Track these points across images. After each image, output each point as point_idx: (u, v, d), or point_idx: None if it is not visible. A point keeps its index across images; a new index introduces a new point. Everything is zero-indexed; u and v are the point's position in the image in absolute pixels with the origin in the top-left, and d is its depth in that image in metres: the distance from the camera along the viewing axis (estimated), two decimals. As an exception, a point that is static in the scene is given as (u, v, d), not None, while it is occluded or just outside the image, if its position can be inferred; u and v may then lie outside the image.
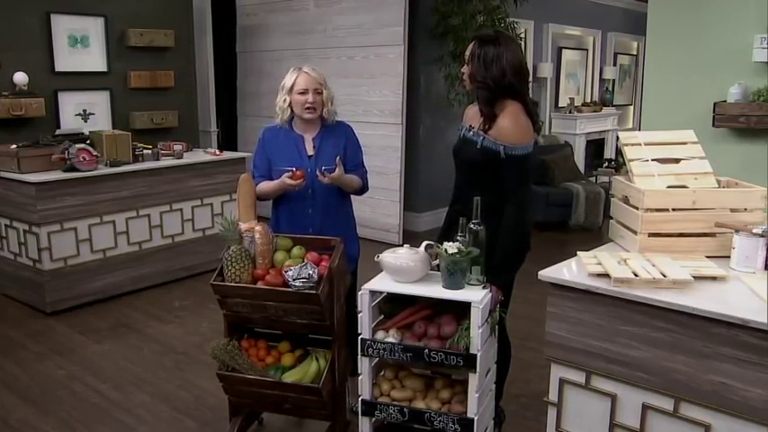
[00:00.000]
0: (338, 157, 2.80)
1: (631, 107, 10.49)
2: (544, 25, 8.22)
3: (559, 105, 8.82)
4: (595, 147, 9.29)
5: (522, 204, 2.46)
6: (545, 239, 6.28)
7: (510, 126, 2.43)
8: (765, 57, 3.90)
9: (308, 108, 2.79)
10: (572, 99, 8.86)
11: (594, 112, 8.98)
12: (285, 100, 2.81)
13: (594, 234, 6.53)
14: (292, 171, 2.75)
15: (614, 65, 9.70)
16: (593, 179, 7.83)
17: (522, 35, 7.32)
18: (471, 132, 2.55)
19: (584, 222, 6.71)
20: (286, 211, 2.90)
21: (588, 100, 9.33)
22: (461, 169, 2.65)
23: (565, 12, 8.42)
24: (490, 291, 2.31)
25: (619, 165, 8.08)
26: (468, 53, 2.53)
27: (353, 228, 3.06)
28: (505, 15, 6.25)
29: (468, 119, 2.63)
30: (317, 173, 2.75)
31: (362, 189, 3.00)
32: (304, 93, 2.77)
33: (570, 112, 8.69)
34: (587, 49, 9.28)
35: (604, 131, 9.35)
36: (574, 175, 7.21)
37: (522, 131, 2.45)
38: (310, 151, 2.87)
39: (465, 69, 2.56)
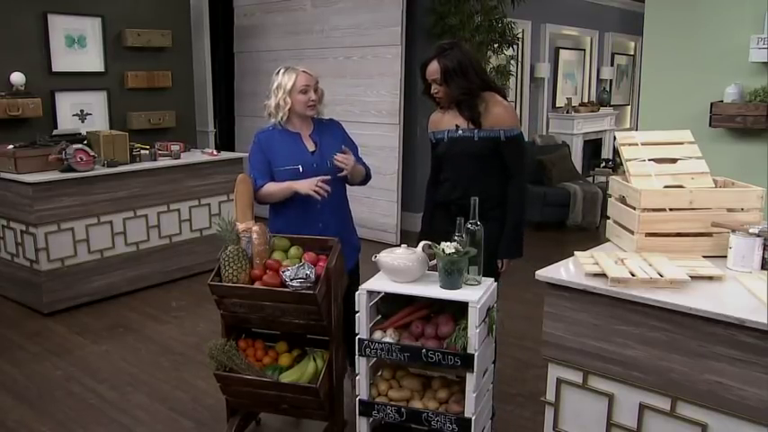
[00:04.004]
0: (342, 146, 2.86)
1: (629, 107, 10.51)
2: (541, 25, 8.23)
3: (557, 105, 8.84)
4: (593, 147, 9.31)
5: (524, 179, 2.74)
6: (542, 239, 6.29)
7: (503, 111, 2.67)
8: (761, 57, 3.91)
9: (310, 105, 2.83)
10: (569, 99, 8.88)
11: (592, 112, 8.99)
12: (285, 100, 2.81)
13: (592, 234, 6.54)
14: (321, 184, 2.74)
15: (611, 65, 9.72)
16: (590, 179, 7.84)
17: (520, 35, 7.33)
18: (460, 131, 2.68)
19: (582, 222, 6.72)
20: (295, 208, 2.85)
21: (585, 100, 9.34)
22: (461, 164, 2.72)
23: (562, 12, 8.43)
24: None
25: (616, 165, 8.10)
26: (436, 75, 2.62)
27: (352, 219, 3.11)
28: (503, 16, 6.25)
29: (444, 123, 2.74)
30: (336, 161, 2.80)
31: (368, 177, 3.04)
32: (306, 91, 2.80)
33: (567, 113, 8.70)
34: (584, 50, 9.29)
35: (602, 131, 9.36)
36: (571, 175, 7.22)
37: (513, 114, 2.73)
38: (311, 147, 2.88)
39: (439, 89, 2.66)
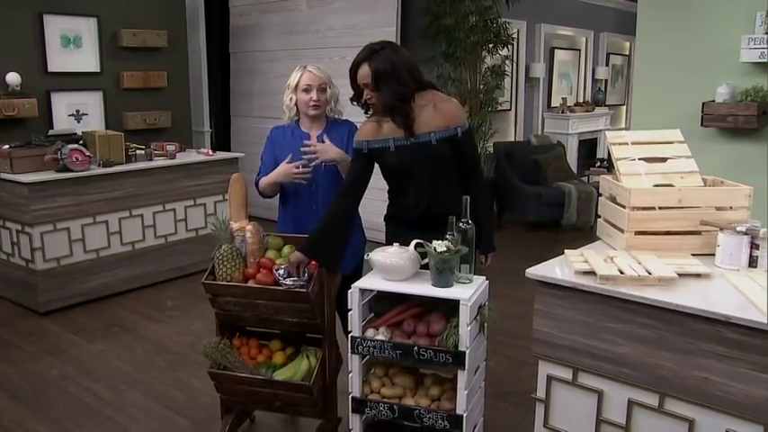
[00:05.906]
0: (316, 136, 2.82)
1: (624, 107, 10.53)
2: (536, 25, 8.25)
3: (552, 105, 8.85)
4: (588, 146, 9.33)
5: (483, 170, 2.67)
6: (537, 238, 6.33)
7: (455, 108, 2.51)
8: (752, 57, 3.94)
9: (312, 105, 2.82)
10: (564, 99, 8.90)
11: (587, 112, 9.01)
12: (291, 98, 2.84)
13: (586, 233, 6.54)
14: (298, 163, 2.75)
15: (606, 65, 9.74)
16: (585, 179, 7.86)
17: (515, 36, 7.35)
18: (411, 141, 2.45)
19: (577, 222, 6.74)
20: (292, 208, 2.89)
21: (581, 100, 9.36)
22: (423, 173, 2.48)
23: (557, 12, 8.45)
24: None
25: (611, 164, 8.11)
26: (368, 80, 2.38)
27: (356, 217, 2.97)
28: (498, 16, 6.28)
29: (384, 134, 2.48)
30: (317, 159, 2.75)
31: None
32: (308, 90, 2.80)
33: (563, 112, 8.72)
34: (580, 50, 9.31)
35: (597, 131, 9.38)
36: (566, 174, 7.24)
37: (460, 107, 2.57)
38: None
39: (371, 94, 2.41)
